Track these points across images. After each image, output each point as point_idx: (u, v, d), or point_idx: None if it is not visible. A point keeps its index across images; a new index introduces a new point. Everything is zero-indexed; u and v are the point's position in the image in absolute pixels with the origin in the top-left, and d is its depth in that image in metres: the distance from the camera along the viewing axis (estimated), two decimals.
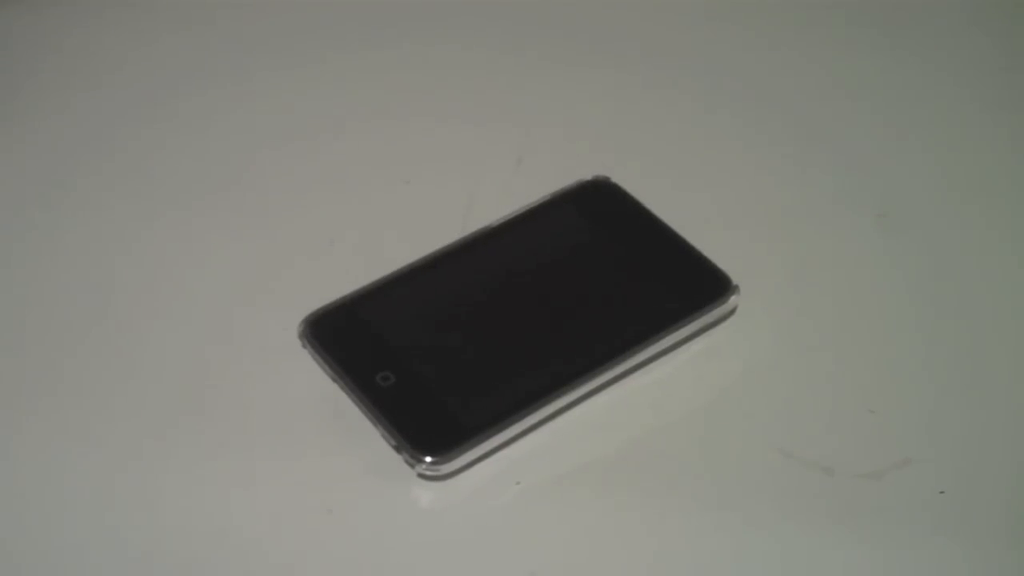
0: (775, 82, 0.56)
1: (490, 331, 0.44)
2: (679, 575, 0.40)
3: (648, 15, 0.59)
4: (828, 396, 0.44)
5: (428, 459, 0.41)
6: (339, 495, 0.41)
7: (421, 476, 0.41)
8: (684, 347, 0.45)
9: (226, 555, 0.40)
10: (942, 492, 0.42)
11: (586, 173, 0.50)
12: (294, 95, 0.55)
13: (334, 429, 0.43)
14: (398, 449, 0.41)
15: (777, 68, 0.57)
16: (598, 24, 0.59)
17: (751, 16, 0.59)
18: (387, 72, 0.56)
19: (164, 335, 0.46)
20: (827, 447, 0.43)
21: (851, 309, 0.47)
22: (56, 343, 0.46)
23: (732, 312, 0.46)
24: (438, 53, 0.57)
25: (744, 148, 0.53)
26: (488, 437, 0.41)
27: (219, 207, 0.50)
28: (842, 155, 0.53)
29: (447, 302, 0.45)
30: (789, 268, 0.49)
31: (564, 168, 0.50)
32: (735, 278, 0.46)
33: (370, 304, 0.45)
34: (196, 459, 0.42)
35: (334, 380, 0.43)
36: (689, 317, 0.45)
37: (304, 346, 0.44)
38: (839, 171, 0.52)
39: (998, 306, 0.47)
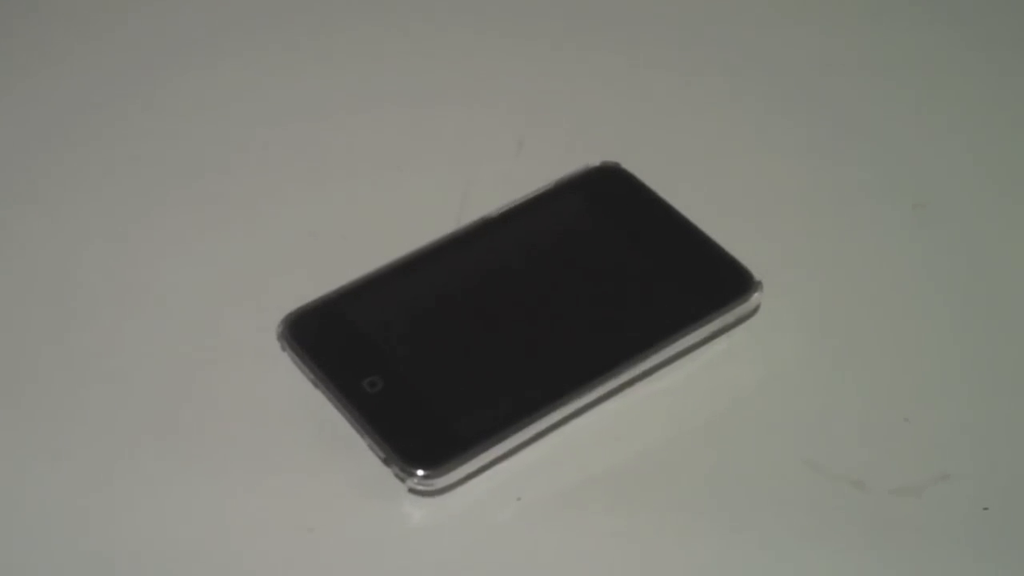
0: (802, 60, 0.56)
1: (488, 333, 0.44)
2: None
3: None
4: (859, 403, 0.44)
5: (420, 472, 0.40)
6: (321, 512, 0.41)
7: (412, 491, 0.41)
8: (701, 350, 0.45)
9: None
10: (985, 509, 0.41)
11: (594, 158, 0.49)
12: (278, 74, 0.55)
13: (316, 440, 0.43)
14: (387, 462, 0.41)
15: (804, 45, 0.57)
16: None
17: None
18: (377, 50, 0.56)
19: (133, 338, 0.45)
20: (858, 459, 0.42)
21: (884, 308, 0.47)
22: (20, 347, 0.45)
23: (754, 311, 0.45)
24: (431, 29, 0.57)
25: (768, 132, 0.53)
26: (486, 448, 0.41)
27: (192, 196, 0.50)
28: (875, 140, 0.53)
29: (441, 300, 0.45)
30: (816, 263, 0.48)
31: (570, 152, 0.49)
32: (757, 274, 0.45)
33: (356, 302, 0.44)
34: (167, 472, 0.42)
35: (316, 386, 0.43)
36: (707, 317, 0.44)
37: (283, 348, 0.44)
38: (871, 157, 0.52)
39: None
